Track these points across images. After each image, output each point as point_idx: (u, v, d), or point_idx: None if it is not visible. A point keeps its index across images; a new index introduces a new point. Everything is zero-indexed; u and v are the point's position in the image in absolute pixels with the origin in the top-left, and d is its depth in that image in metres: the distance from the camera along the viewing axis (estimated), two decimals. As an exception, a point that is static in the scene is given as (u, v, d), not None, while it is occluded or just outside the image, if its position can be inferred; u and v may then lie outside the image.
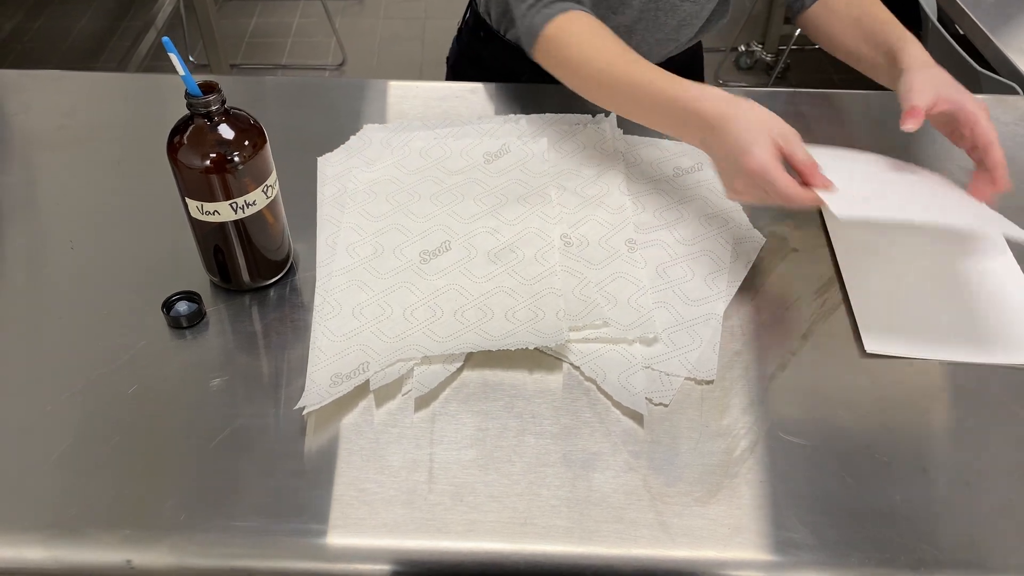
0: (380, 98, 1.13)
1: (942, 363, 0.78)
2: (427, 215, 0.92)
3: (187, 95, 0.73)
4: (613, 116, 1.07)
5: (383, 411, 0.74)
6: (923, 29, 1.90)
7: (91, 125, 1.07)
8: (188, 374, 0.77)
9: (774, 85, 3.05)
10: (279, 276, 0.85)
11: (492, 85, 1.14)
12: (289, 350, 0.79)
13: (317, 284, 0.84)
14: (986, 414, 0.74)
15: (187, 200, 0.77)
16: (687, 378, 0.76)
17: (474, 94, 1.12)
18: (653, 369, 0.76)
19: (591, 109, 1.09)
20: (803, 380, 0.76)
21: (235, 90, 1.17)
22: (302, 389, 0.74)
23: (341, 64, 3.21)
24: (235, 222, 0.78)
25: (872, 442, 0.72)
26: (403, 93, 1.13)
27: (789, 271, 0.87)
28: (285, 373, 0.77)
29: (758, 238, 0.90)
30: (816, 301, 0.84)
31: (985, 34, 1.79)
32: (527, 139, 1.02)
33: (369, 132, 1.04)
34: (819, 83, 3.14)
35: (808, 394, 0.75)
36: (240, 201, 0.76)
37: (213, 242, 0.80)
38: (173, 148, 0.75)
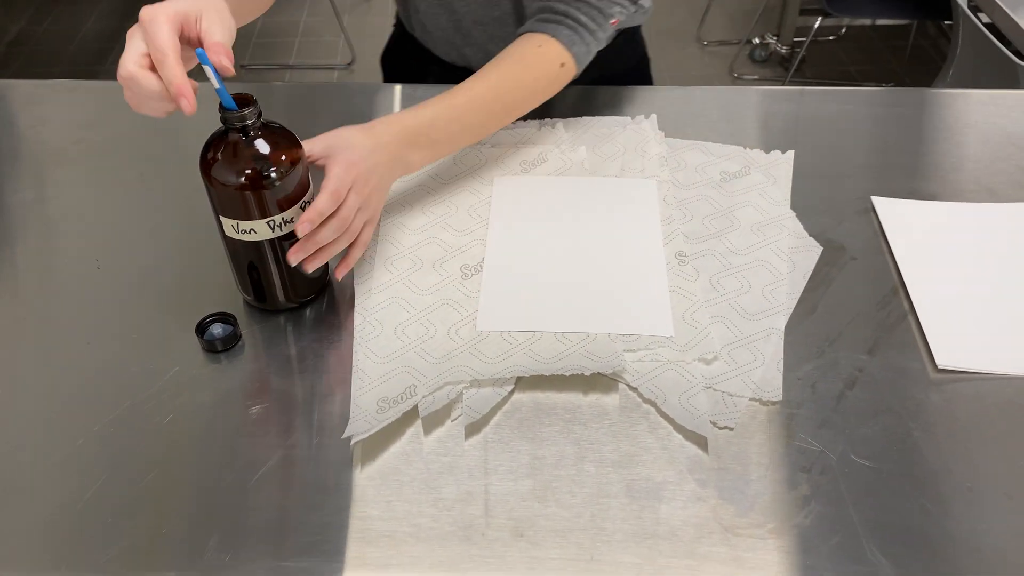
0: (389, 102, 1.09)
1: (1020, 378, 0.74)
2: (465, 228, 0.88)
3: (221, 108, 0.69)
4: (654, 117, 1.02)
5: (432, 438, 0.70)
6: (954, 19, 1.85)
7: (111, 137, 1.03)
8: (225, 401, 0.73)
9: (792, 78, 3.00)
10: (316, 294, 0.81)
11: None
12: (330, 373, 0.75)
13: (356, 302, 0.80)
14: (1070, 433, 0.70)
15: (221, 219, 0.73)
16: (752, 399, 0.72)
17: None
18: (715, 389, 0.72)
19: (623, 112, 1.05)
20: (873, 399, 0.72)
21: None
22: (345, 415, 0.71)
23: (350, 63, 3.17)
24: (271, 240, 0.74)
25: (951, 466, 0.68)
26: (421, 95, 1.09)
27: (849, 281, 0.83)
28: (327, 398, 0.73)
29: (815, 247, 0.86)
30: (880, 313, 0.80)
31: (1017, 24, 1.74)
32: (565, 147, 0.98)
33: (400, 139, 1.00)
34: (835, 75, 3.10)
35: (880, 414, 0.71)
36: (278, 219, 0.72)
37: (247, 261, 0.76)
38: (206, 164, 0.71)
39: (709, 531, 0.63)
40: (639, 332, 0.76)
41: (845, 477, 0.67)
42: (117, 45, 3.20)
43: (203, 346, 0.77)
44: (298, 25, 3.43)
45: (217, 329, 0.77)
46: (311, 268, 0.76)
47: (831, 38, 3.27)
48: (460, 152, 0.97)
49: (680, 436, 0.70)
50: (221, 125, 0.70)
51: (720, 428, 0.70)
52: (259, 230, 0.73)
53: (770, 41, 3.13)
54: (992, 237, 0.87)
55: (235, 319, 0.78)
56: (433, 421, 0.71)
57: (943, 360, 0.75)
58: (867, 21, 3.32)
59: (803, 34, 3.01)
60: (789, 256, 0.84)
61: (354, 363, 0.75)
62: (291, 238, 0.75)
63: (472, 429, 0.70)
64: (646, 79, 1.21)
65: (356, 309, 0.80)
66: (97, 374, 0.75)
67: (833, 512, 0.64)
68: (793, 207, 0.91)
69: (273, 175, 0.70)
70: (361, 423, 0.69)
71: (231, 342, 0.77)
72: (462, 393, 0.72)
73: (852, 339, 0.77)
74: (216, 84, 0.67)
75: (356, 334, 0.77)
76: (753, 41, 3.14)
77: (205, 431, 0.71)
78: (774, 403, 0.72)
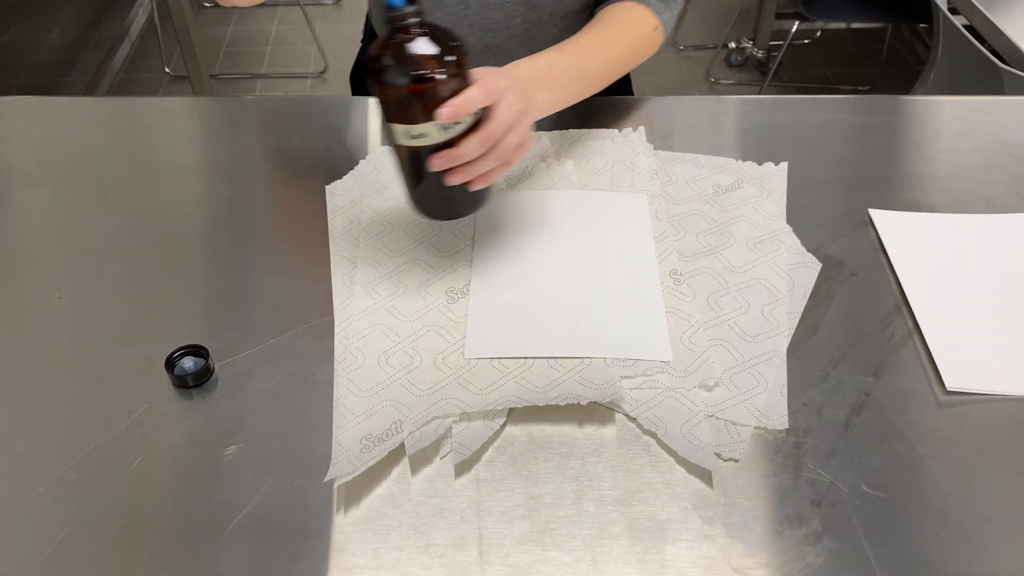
0: (362, 116, 1.05)
1: (1031, 400, 0.71)
2: (450, 248, 0.84)
3: (387, 8, 0.67)
4: (642, 130, 0.99)
5: (420, 478, 0.66)
6: (934, 22, 1.84)
7: (74, 156, 0.98)
8: (198, 442, 0.68)
9: (769, 82, 2.99)
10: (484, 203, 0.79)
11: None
12: (310, 408, 0.71)
13: (336, 330, 0.76)
14: (1086, 457, 0.67)
15: (393, 126, 0.70)
16: (756, 427, 0.69)
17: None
18: (717, 418, 0.69)
19: (610, 123, 1.01)
20: (882, 424, 0.69)
21: (212, 112, 1.08)
22: (327, 455, 0.66)
23: (323, 72, 3.12)
24: (444, 144, 0.70)
25: (966, 495, 0.64)
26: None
27: (850, 299, 0.80)
28: (307, 436, 0.69)
29: (814, 263, 0.82)
30: (884, 332, 0.77)
31: (995, 26, 1.73)
32: (551, 160, 0.94)
33: (380, 155, 0.96)
34: (812, 78, 3.09)
35: (889, 440, 0.68)
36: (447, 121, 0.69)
37: (421, 169, 0.72)
38: (376, 69, 0.69)
39: (718, 573, 0.60)
40: (635, 356, 0.73)
41: (857, 510, 0.63)
42: (82, 56, 3.13)
43: (173, 381, 0.72)
44: (269, 34, 3.37)
45: (188, 363, 0.72)
46: (452, 181, 0.72)
47: (806, 41, 3.26)
48: (442, 168, 0.93)
49: (683, 469, 0.66)
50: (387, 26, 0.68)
51: (725, 460, 0.66)
52: (431, 134, 0.69)
53: (746, 45, 3.12)
54: (995, 250, 0.84)
55: (207, 352, 0.73)
56: (421, 459, 0.67)
57: (952, 382, 0.71)
58: (842, 25, 3.32)
59: (779, 38, 3.01)
60: (788, 273, 0.81)
61: (335, 397, 0.70)
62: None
63: (463, 467, 0.66)
64: (627, 90, 1.18)
65: (336, 338, 0.75)
66: (59, 414, 0.70)
67: (847, 549, 0.61)
68: (789, 221, 0.88)
69: (443, 75, 0.68)
70: (344, 464, 0.65)
71: (203, 377, 0.72)
72: (451, 428, 0.68)
73: (857, 361, 0.74)
74: None
75: (336, 365, 0.73)
76: (729, 45, 3.13)
77: (177, 474, 0.66)
78: (780, 431, 0.68)
